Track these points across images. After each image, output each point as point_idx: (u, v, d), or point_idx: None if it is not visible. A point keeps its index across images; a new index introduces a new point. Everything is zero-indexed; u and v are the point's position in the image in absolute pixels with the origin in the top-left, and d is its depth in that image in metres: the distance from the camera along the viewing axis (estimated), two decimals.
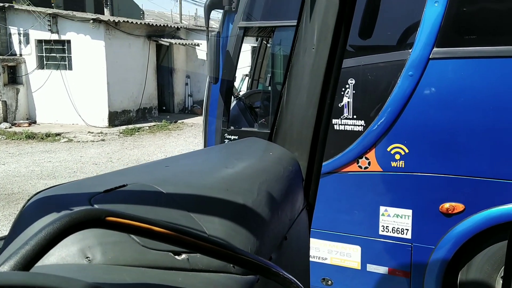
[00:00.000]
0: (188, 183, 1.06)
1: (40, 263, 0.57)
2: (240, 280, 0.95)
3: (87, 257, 0.75)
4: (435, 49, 2.94)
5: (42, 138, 12.08)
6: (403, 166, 3.09)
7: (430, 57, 2.95)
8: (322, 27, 1.55)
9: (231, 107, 4.10)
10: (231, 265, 0.95)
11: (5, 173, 8.37)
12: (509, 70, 2.84)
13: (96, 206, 0.84)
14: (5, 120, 13.25)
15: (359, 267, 3.39)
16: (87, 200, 0.85)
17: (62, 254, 0.73)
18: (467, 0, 2.97)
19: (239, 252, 0.86)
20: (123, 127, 13.86)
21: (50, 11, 13.97)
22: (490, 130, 2.91)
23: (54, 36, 13.73)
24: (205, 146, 3.98)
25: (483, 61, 2.90)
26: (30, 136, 12.08)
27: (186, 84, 18.16)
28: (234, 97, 4.37)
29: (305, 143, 1.62)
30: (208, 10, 3.82)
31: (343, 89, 3.18)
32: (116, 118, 14.24)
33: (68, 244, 0.75)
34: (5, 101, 13.30)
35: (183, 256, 0.86)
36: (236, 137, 3.83)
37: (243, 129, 4.06)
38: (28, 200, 0.88)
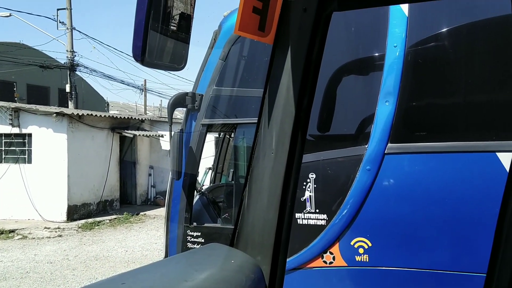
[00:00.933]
0: None
1: None
2: None
3: None
4: (389, 144, 3.09)
5: None
6: (367, 260, 3.09)
7: (386, 152, 3.08)
8: (280, 133, 1.62)
9: (194, 202, 4.07)
10: None
11: None
12: (460, 164, 2.99)
13: None
14: None
15: None
16: None
17: None
18: (415, 99, 3.20)
19: None
20: (83, 221, 13.36)
21: (13, 105, 13.95)
22: (448, 221, 2.98)
23: (15, 130, 13.58)
24: (166, 246, 3.87)
25: (435, 156, 3.06)
26: None
27: (150, 174, 18.01)
28: (197, 192, 4.35)
29: (267, 247, 1.61)
30: (172, 108, 3.92)
31: (305, 183, 3.24)
32: (75, 212, 13.75)
33: None
34: None
35: None
36: (199, 233, 3.75)
37: (206, 225, 4.00)
38: None
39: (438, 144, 3.03)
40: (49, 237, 11.48)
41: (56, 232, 11.96)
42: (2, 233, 11.60)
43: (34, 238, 11.42)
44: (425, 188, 3.02)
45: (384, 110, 3.09)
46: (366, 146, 3.13)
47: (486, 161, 2.90)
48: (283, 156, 1.60)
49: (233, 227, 1.74)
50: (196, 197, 4.32)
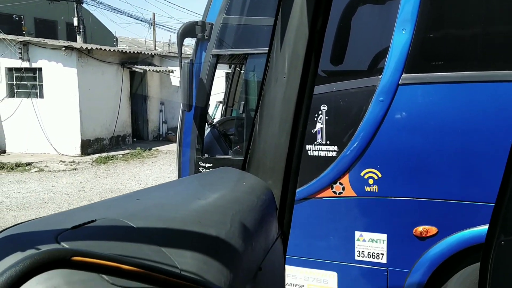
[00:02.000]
0: (160, 217, 1.05)
1: None
2: None
3: None
4: (404, 75, 3.02)
5: (11, 168, 11.74)
6: (376, 190, 3.13)
7: (400, 82, 3.02)
8: (292, 57, 1.57)
9: (205, 135, 4.09)
10: None
11: None
12: (475, 95, 2.93)
13: (63, 243, 0.81)
14: None
15: None
16: (53, 237, 0.83)
17: None
18: (433, 27, 3.08)
19: (212, 287, 0.84)
20: (96, 155, 13.62)
21: (21, 38, 13.80)
22: (460, 152, 2.98)
23: (25, 64, 13.53)
24: (179, 175, 3.94)
25: (450, 86, 3.00)
26: None
27: (161, 111, 18.08)
28: (208, 125, 4.36)
29: (278, 171, 1.62)
30: (181, 38, 3.84)
31: (316, 115, 3.22)
32: (89, 147, 14.00)
33: (33, 284, 0.72)
34: None
35: None
36: (211, 165, 3.81)
37: (217, 156, 4.05)
38: None
39: (454, 74, 2.96)
40: (65, 170, 11.79)
41: (71, 165, 12.26)
42: (19, 166, 11.92)
43: (50, 171, 11.74)
44: (439, 119, 2.99)
45: (400, 39, 2.99)
46: (380, 76, 3.06)
47: (503, 91, 2.84)
48: (295, 81, 1.57)
49: (243, 160, 1.75)
50: (207, 130, 4.34)
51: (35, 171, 11.70)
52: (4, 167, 11.73)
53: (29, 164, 12.10)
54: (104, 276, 0.79)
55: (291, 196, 1.68)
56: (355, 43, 3.21)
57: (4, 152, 13.60)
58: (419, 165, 3.06)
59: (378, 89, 3.05)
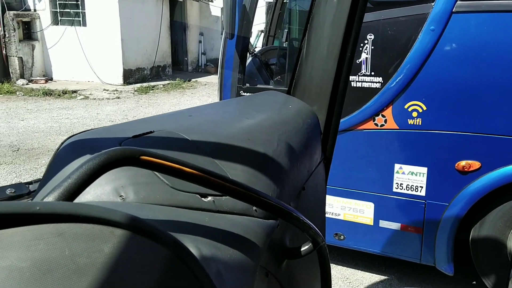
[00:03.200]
0: (212, 132, 1.09)
1: (76, 200, 0.60)
2: (262, 224, 0.99)
3: (120, 196, 0.78)
4: (458, 2, 2.85)
5: (59, 95, 12.18)
6: (420, 123, 3.08)
7: (453, 10, 2.87)
8: None
9: (247, 64, 4.07)
10: (254, 209, 0.99)
11: (25, 129, 8.53)
12: None
13: None
14: (22, 76, 13.35)
15: (371, 223, 3.45)
16: (117, 144, 0.89)
17: (97, 192, 0.77)
18: None
19: (263, 196, 0.89)
20: (138, 85, 13.88)
21: None
22: (509, 87, 2.86)
23: None
24: None
25: (508, 15, 2.82)
26: (47, 93, 12.19)
27: (200, 41, 17.97)
28: (249, 54, 4.32)
29: (324, 97, 1.63)
30: None
31: (362, 45, 3.13)
32: (130, 76, 14.24)
33: (103, 183, 0.78)
34: (21, 57, 13.35)
35: (209, 198, 0.89)
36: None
37: (258, 86, 4.04)
38: (62, 143, 0.92)
39: None
40: (108, 99, 12.13)
41: (114, 94, 12.58)
42: (65, 93, 12.34)
43: (94, 98, 12.11)
44: (492, 51, 2.85)
45: None
46: (433, 4, 2.91)
47: None
48: (346, 2, 1.53)
49: (286, 89, 1.75)
50: (249, 59, 4.31)
51: (81, 99, 12.10)
52: (52, 94, 12.19)
53: (75, 91, 12.50)
54: (164, 179, 0.85)
55: (335, 122, 1.69)
56: None
57: (51, 79, 14.06)
58: (466, 99, 2.97)
59: (430, 17, 2.91)
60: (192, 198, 0.86)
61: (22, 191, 1.04)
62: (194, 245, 0.73)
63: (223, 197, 0.92)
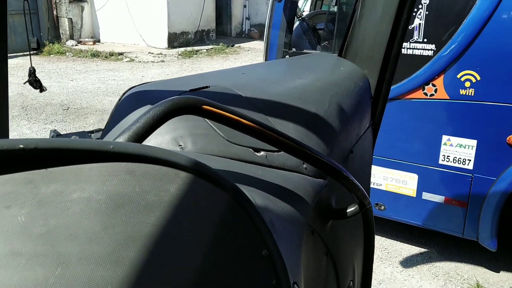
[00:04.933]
0: (264, 90, 1.10)
1: None
2: (311, 181, 1.00)
3: (179, 145, 0.81)
4: None
5: (106, 57, 12.47)
6: (472, 94, 2.97)
7: None
8: None
9: (294, 28, 4.01)
10: (304, 166, 1.00)
11: (74, 89, 8.83)
12: None
13: None
14: (71, 37, 13.72)
15: (414, 195, 3.40)
16: (177, 95, 0.91)
17: (157, 141, 0.80)
18: None
19: (315, 153, 0.90)
20: (182, 49, 13.97)
21: None
22: None
23: None
24: None
25: None
26: (95, 55, 12.50)
27: (244, 6, 17.75)
28: (297, 18, 4.25)
29: (376, 60, 1.59)
30: None
31: (416, 10, 3.01)
32: (175, 40, 14.34)
33: (163, 133, 0.81)
34: (71, 18, 13.68)
35: (262, 153, 0.91)
36: None
37: (305, 51, 3.99)
38: (123, 94, 0.95)
39: None
40: (153, 62, 12.31)
41: (158, 57, 12.74)
42: (112, 55, 12.61)
43: (140, 61, 12.32)
44: None
45: None
46: None
47: None
48: None
49: (340, 47, 1.72)
50: (296, 23, 4.24)
51: (127, 61, 12.34)
52: (99, 55, 12.49)
53: (121, 54, 12.75)
54: (220, 132, 0.88)
55: (386, 87, 1.66)
56: None
57: (99, 41, 14.37)
58: None
59: None
60: (245, 151, 0.88)
61: (85, 137, 1.09)
62: (248, 195, 0.76)
63: (275, 153, 0.94)
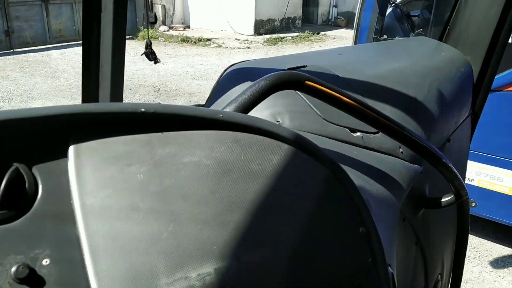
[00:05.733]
0: (361, 71, 1.08)
1: None
2: (406, 166, 0.97)
3: (277, 121, 0.83)
4: None
5: (195, 42, 12.91)
6: None
7: None
8: None
9: (386, 14, 3.86)
10: (400, 150, 0.97)
11: (165, 72, 9.27)
12: None
13: None
14: (164, 23, 14.37)
15: (510, 193, 3.17)
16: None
17: (257, 116, 0.82)
18: None
19: (416, 136, 0.87)
20: (267, 36, 14.06)
21: None
22: None
23: None
24: None
25: None
26: (185, 40, 13.00)
27: None
28: (390, 3, 4.09)
29: (481, 47, 1.49)
30: None
31: None
32: (261, 27, 14.46)
33: (262, 108, 0.83)
34: (164, 5, 14.31)
35: (358, 134, 0.90)
36: None
37: (397, 38, 3.84)
38: (224, 71, 0.99)
39: None
40: (239, 48, 12.54)
41: (245, 44, 12.95)
42: (200, 40, 13.04)
43: (227, 47, 12.61)
44: None
45: None
46: None
47: None
48: None
49: (442, 29, 1.63)
50: (389, 9, 4.08)
51: (214, 47, 12.69)
52: (188, 41, 12.97)
53: (209, 39, 13.13)
54: (317, 111, 0.88)
55: (490, 75, 1.55)
56: None
57: (189, 27, 14.90)
58: None
59: None
60: (342, 131, 0.88)
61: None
62: None
63: (372, 134, 0.92)
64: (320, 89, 0.72)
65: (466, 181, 3.32)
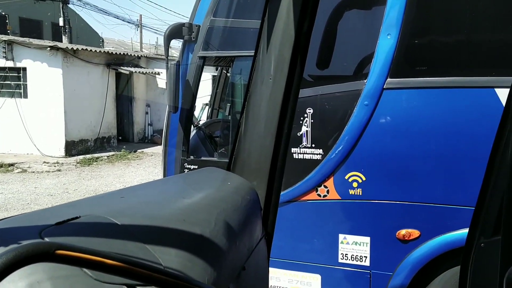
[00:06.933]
0: (144, 214, 1.05)
1: None
2: None
3: None
4: (388, 79, 3.06)
5: None
6: (360, 193, 3.16)
7: (384, 87, 3.06)
8: (278, 58, 1.59)
9: (191, 136, 4.09)
10: None
11: None
12: (458, 100, 2.99)
13: (46, 239, 0.81)
14: None
15: None
16: (37, 233, 0.82)
17: None
18: (417, 33, 3.13)
19: (195, 284, 0.84)
20: (81, 156, 13.49)
21: (5, 37, 13.61)
22: (442, 157, 3.03)
23: (9, 64, 13.35)
24: (164, 176, 3.93)
25: (434, 91, 3.05)
26: None
27: (146, 113, 17.98)
28: (194, 126, 4.36)
29: (263, 173, 1.63)
30: (168, 39, 3.83)
31: (302, 118, 3.24)
32: (73, 148, 13.85)
33: (16, 279, 0.71)
34: None
35: None
36: (196, 167, 3.80)
37: (202, 158, 4.04)
38: None
39: (437, 80, 3.01)
40: (48, 171, 11.64)
41: (55, 166, 12.11)
42: (1, 166, 11.74)
43: (33, 172, 11.58)
44: (422, 124, 3.04)
45: (386, 44, 3.04)
46: (365, 81, 3.10)
47: (485, 97, 2.90)
48: (281, 82, 1.58)
49: (228, 161, 1.76)
50: (193, 132, 4.33)
51: (18, 172, 11.53)
52: None
53: (12, 164, 11.92)
54: (87, 271, 0.79)
55: (275, 197, 1.69)
56: (341, 48, 3.25)
57: None
58: (403, 169, 3.10)
59: (363, 93, 3.09)
60: None
61: None
62: None
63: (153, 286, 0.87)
64: (77, 256, 0.65)
65: None
